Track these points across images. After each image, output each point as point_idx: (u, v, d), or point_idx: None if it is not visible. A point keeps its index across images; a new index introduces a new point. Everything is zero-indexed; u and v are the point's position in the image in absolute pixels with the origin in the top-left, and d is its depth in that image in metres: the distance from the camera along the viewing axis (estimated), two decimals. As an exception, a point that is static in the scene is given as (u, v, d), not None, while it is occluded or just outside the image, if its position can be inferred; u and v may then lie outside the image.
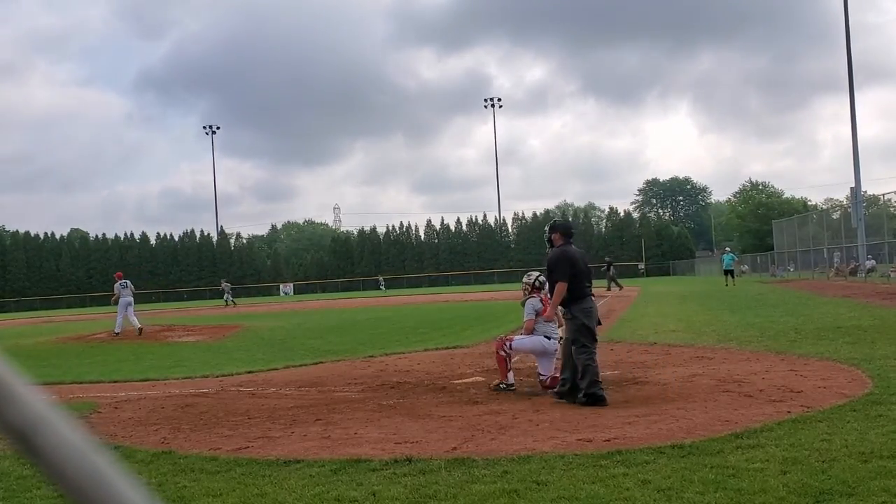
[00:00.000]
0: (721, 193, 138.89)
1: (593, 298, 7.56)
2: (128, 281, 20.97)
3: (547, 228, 7.91)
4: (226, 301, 46.93)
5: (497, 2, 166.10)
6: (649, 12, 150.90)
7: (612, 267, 37.87)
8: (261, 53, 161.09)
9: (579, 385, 7.10)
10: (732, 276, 38.66)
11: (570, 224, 7.99)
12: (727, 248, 45.45)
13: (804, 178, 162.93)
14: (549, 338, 8.33)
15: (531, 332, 8.40)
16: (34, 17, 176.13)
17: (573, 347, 7.27)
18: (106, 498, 0.52)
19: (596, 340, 7.39)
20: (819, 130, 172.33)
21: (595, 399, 6.96)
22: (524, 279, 9.00)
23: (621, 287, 36.42)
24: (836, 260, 37.55)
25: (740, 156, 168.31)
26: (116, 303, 20.31)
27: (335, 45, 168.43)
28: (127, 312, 20.02)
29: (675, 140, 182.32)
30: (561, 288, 7.31)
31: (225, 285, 49.23)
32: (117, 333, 19.63)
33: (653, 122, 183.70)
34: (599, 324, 7.63)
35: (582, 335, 7.28)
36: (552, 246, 7.73)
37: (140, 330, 19.48)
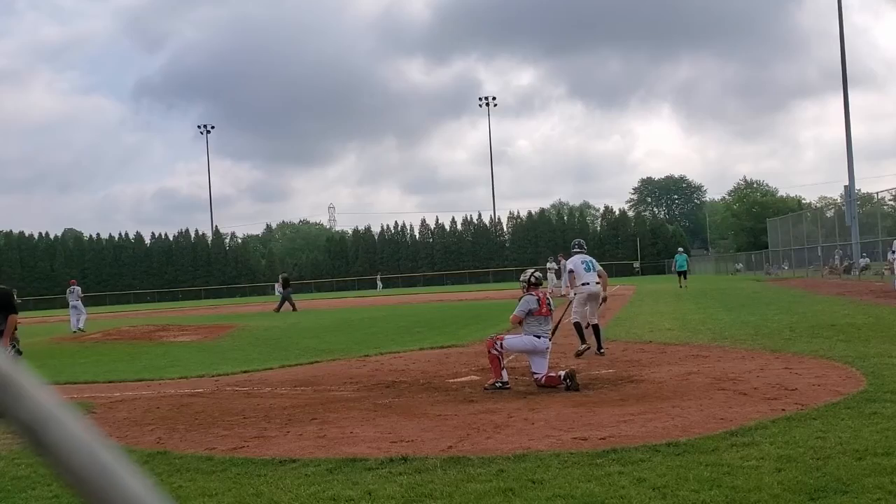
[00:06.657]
0: (713, 192, 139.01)
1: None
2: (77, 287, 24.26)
3: None
4: None
5: (479, 12, 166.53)
6: (629, 20, 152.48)
7: (288, 284, 32.85)
8: (255, 62, 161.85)
9: None
10: (685, 277, 36.19)
11: None
12: (680, 249, 41.02)
13: (789, 178, 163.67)
14: (539, 336, 8.37)
15: (518, 324, 8.49)
16: (38, 28, 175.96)
17: None
18: (113, 492, 0.52)
19: None
20: (800, 133, 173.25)
21: None
22: (521, 278, 9.10)
23: (294, 308, 30.33)
24: (837, 257, 37.45)
25: (725, 157, 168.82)
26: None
27: (327, 54, 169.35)
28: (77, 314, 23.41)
29: (662, 142, 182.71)
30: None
31: None
32: (75, 331, 22.18)
33: (639, 125, 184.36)
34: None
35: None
36: None
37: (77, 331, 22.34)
